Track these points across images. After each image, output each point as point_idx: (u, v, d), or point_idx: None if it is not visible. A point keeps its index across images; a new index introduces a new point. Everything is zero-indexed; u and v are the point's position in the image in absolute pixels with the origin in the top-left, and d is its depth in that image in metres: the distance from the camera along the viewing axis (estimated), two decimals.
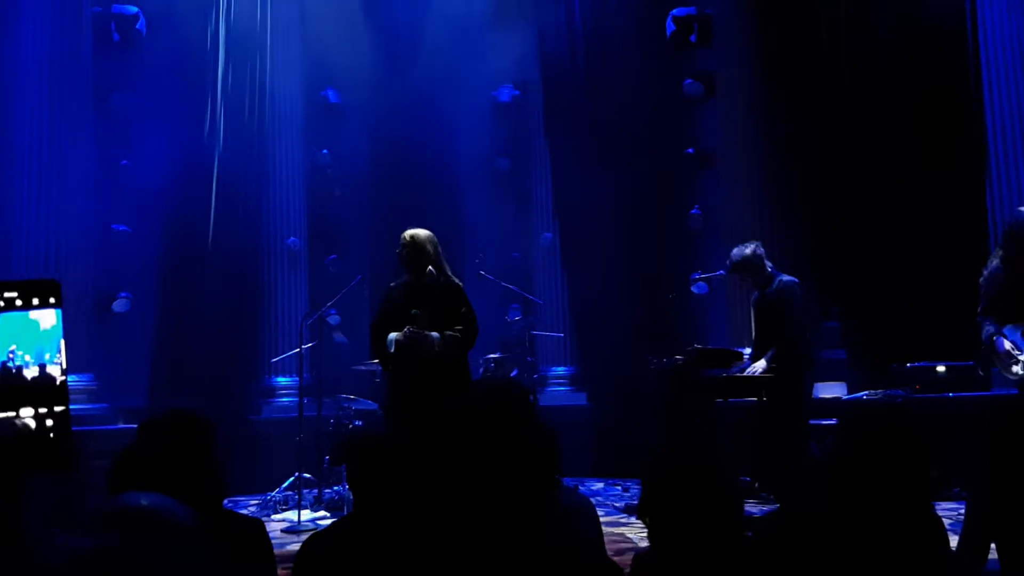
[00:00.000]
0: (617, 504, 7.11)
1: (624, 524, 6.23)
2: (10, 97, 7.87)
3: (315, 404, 7.27)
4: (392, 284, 5.85)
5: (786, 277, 6.29)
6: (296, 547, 2.44)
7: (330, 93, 9.63)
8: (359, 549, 2.17)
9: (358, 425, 7.10)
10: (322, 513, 6.82)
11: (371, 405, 7.36)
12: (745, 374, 6.17)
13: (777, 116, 8.09)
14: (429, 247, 5.69)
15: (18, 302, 1.81)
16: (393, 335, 5.59)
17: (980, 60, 7.70)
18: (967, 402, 6.42)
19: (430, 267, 5.66)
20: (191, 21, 8.56)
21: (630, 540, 5.66)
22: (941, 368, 6.85)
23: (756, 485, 6.42)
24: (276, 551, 5.28)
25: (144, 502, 1.99)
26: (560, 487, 2.41)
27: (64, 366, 1.84)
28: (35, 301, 1.82)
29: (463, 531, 2.07)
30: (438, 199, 9.19)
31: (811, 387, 6.16)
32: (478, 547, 1.85)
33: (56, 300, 1.86)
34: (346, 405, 7.38)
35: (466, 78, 9.43)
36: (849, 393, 7.34)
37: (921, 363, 6.98)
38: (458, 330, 5.60)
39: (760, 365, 6.05)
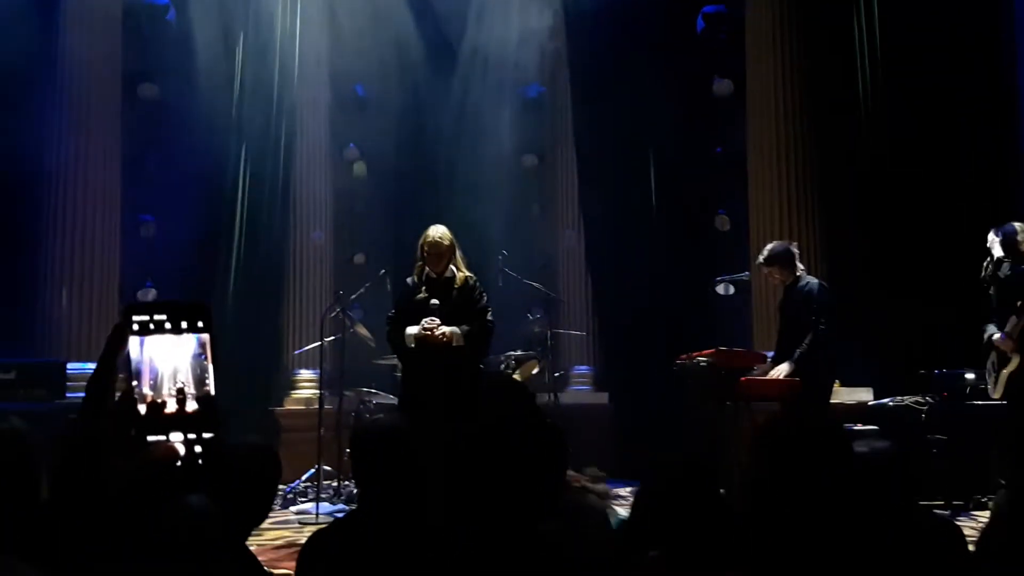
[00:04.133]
0: None
1: None
2: (46, 87, 7.96)
3: (336, 397, 7.29)
4: (409, 279, 5.84)
5: (813, 280, 6.21)
6: None
7: (359, 88, 9.63)
8: (363, 544, 2.15)
9: (371, 419, 7.10)
10: (340, 506, 6.82)
11: (392, 399, 7.35)
12: (768, 376, 6.09)
13: (806, 116, 7.99)
14: (451, 243, 5.73)
15: (167, 325, 1.75)
16: (411, 329, 5.59)
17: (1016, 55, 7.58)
18: (994, 410, 6.28)
19: (452, 264, 5.69)
20: (220, 12, 8.58)
21: None
22: (969, 375, 6.73)
23: None
24: (292, 541, 5.27)
25: None
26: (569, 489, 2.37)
27: (213, 391, 1.77)
28: (184, 324, 1.76)
29: (465, 528, 2.04)
30: (463, 195, 9.15)
31: (830, 391, 6.08)
32: (480, 545, 1.83)
33: (206, 324, 1.78)
34: (367, 399, 7.39)
35: (494, 74, 9.39)
36: (875, 399, 7.25)
37: (948, 370, 6.86)
38: (479, 325, 5.66)
39: (784, 368, 5.97)
